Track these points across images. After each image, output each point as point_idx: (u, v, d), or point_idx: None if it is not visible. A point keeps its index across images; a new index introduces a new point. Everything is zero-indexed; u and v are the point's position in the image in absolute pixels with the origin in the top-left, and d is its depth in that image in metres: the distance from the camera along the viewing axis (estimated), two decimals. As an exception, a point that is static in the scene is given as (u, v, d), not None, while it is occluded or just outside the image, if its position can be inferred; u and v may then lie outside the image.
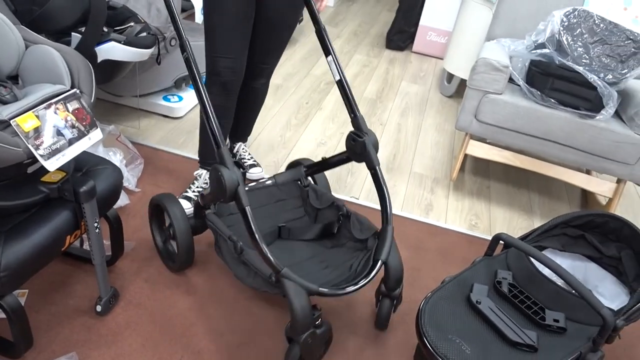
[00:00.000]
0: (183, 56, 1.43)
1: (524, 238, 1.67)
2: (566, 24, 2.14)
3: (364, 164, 1.56)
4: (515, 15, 2.49)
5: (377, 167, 1.52)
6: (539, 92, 2.12)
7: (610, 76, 2.08)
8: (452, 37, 3.44)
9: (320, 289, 1.32)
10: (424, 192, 2.41)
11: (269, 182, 1.79)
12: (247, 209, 1.30)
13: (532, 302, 1.38)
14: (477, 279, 1.45)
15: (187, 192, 2.00)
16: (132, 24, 2.07)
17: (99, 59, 1.92)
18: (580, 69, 2.05)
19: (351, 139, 1.58)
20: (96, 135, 1.29)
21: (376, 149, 1.55)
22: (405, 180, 2.48)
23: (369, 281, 1.38)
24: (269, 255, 1.29)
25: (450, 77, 3.42)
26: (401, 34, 4.12)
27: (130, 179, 2.03)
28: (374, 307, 1.68)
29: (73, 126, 1.24)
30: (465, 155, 2.34)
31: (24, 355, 1.35)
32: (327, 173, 1.96)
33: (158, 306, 1.58)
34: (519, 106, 2.13)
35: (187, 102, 2.66)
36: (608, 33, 2.12)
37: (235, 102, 1.90)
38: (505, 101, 2.15)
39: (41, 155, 1.15)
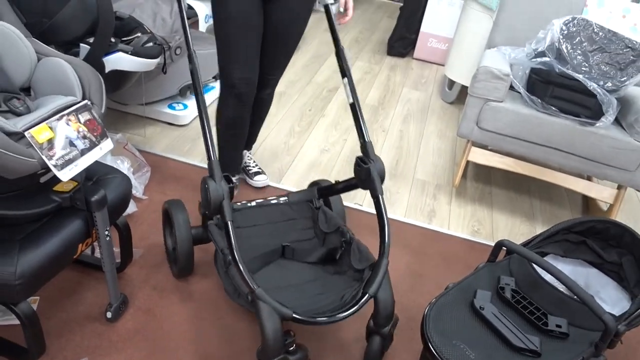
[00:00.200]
0: (189, 67, 1.47)
1: (526, 244, 1.69)
2: (565, 32, 2.17)
3: None
4: (515, 24, 2.52)
5: (380, 196, 1.47)
6: (539, 100, 2.14)
7: (609, 84, 2.11)
8: (453, 44, 3.47)
9: (294, 315, 1.26)
10: (426, 199, 2.44)
11: (282, 199, 1.80)
12: (230, 223, 1.31)
13: (535, 308, 1.40)
14: (480, 285, 1.47)
15: None
16: (138, 34, 2.10)
17: (107, 69, 1.95)
18: (580, 76, 2.07)
19: (357, 165, 1.54)
20: (107, 145, 1.32)
21: (382, 177, 1.50)
22: (408, 187, 2.50)
23: (348, 315, 1.31)
24: (244, 272, 1.28)
25: (452, 83, 3.44)
26: (402, 41, 4.15)
27: (137, 187, 2.05)
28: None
29: (85, 137, 1.26)
30: (467, 162, 2.37)
31: (36, 361, 1.38)
32: (332, 179, 1.97)
33: (166, 313, 1.61)
34: (520, 114, 2.16)
35: (191, 110, 2.69)
36: (607, 41, 2.15)
37: (250, 112, 1.92)
38: (506, 109, 2.17)
39: (55, 166, 1.18)
